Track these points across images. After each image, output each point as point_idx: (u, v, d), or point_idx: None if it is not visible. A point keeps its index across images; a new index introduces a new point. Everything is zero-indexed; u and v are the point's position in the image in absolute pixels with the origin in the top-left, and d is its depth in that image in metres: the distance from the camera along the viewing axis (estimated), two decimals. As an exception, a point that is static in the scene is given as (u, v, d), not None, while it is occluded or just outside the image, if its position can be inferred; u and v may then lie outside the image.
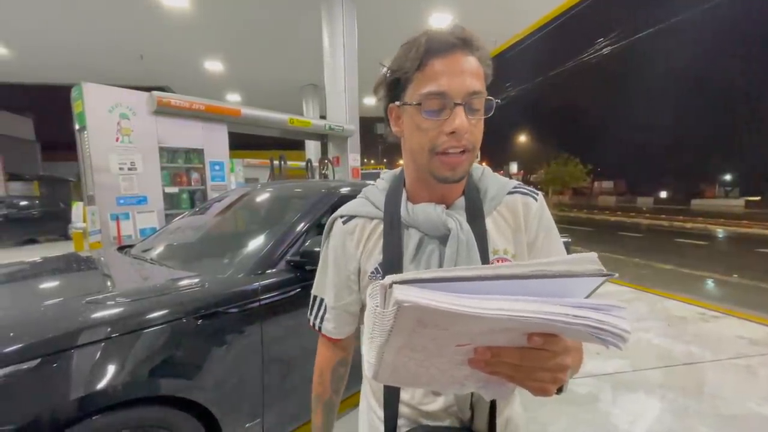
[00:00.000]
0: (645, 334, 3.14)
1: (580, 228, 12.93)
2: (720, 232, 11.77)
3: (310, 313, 0.75)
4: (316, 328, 0.74)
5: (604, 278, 0.33)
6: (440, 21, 7.98)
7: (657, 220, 15.46)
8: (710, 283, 5.41)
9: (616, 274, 0.34)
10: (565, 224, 13.71)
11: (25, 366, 1.02)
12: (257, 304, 1.51)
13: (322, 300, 0.73)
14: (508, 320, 0.31)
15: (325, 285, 0.72)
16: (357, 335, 0.77)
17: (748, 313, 3.68)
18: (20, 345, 1.04)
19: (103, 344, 1.14)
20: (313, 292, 0.75)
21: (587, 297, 0.35)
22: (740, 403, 2.18)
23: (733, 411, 2.11)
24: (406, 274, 0.32)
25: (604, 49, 18.08)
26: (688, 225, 13.53)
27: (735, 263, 6.71)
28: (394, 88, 0.60)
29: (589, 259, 0.33)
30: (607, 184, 53.29)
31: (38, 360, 1.03)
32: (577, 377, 2.46)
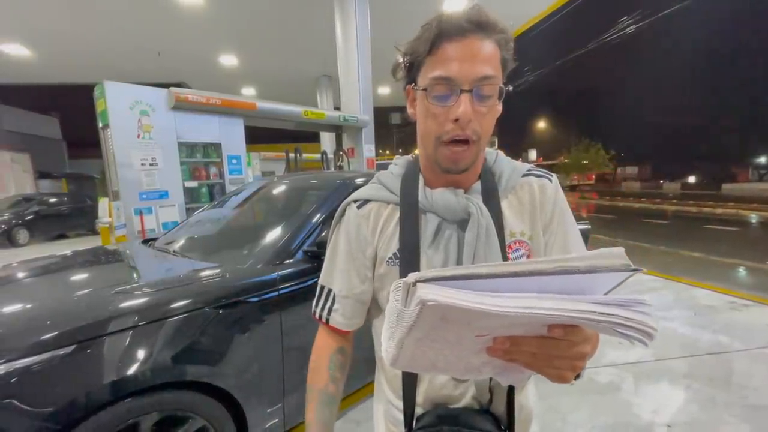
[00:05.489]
0: (669, 324, 3.05)
1: (602, 216, 12.57)
2: (753, 217, 11.22)
3: (316, 305, 0.70)
4: (323, 320, 0.69)
5: (630, 273, 0.31)
6: (455, 5, 7.79)
7: (684, 206, 14.86)
8: (741, 271, 5.18)
9: (644, 270, 0.32)
10: (586, 212, 13.36)
11: (61, 352, 1.08)
12: (276, 293, 1.54)
13: (330, 290, 0.69)
14: (532, 317, 0.30)
15: (334, 273, 0.68)
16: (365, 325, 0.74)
17: (781, 301, 3.53)
18: (56, 332, 1.11)
19: (131, 332, 1.20)
20: (321, 281, 0.71)
21: (610, 291, 0.34)
22: (771, 393, 2.11)
23: (763, 401, 2.04)
24: (427, 272, 0.31)
25: (628, 29, 17.25)
26: (718, 211, 12.93)
27: (768, 250, 6.39)
28: (410, 70, 0.59)
29: (614, 254, 0.31)
30: (632, 170, 51.29)
31: (73, 346, 1.10)
32: (599, 366, 2.42)
